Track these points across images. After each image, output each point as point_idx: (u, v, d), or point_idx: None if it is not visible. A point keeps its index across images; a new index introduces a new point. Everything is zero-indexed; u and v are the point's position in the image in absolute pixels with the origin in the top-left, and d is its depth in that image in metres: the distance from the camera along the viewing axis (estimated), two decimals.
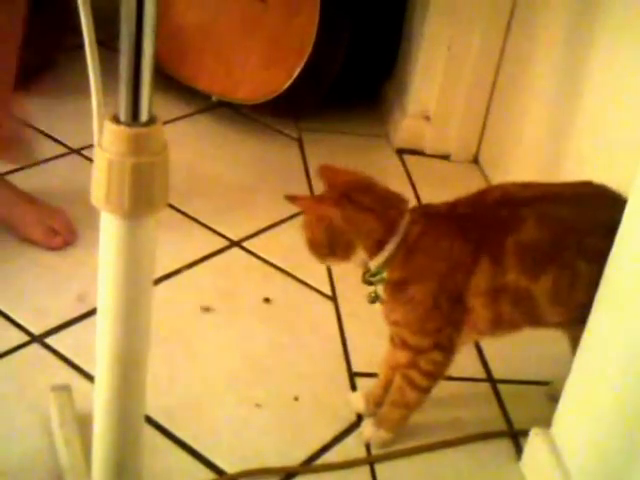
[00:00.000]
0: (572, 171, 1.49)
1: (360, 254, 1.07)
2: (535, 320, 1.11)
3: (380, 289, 1.09)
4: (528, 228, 1.06)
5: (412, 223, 1.06)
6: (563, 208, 1.09)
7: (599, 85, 1.49)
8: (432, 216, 1.10)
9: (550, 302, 1.08)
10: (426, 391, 1.14)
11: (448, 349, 1.11)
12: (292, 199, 1.08)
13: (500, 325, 1.10)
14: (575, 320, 1.10)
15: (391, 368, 1.19)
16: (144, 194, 0.72)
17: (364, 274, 1.10)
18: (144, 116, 0.70)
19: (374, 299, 1.11)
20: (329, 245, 1.07)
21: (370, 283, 1.10)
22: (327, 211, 1.05)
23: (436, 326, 1.09)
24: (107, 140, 0.71)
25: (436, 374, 1.13)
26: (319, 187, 1.76)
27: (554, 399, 1.15)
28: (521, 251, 1.05)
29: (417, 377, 1.12)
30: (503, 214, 1.08)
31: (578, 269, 1.06)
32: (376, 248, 1.06)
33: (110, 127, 0.70)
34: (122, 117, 0.70)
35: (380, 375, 1.22)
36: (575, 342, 1.10)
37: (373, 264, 1.07)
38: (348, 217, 1.05)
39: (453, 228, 1.08)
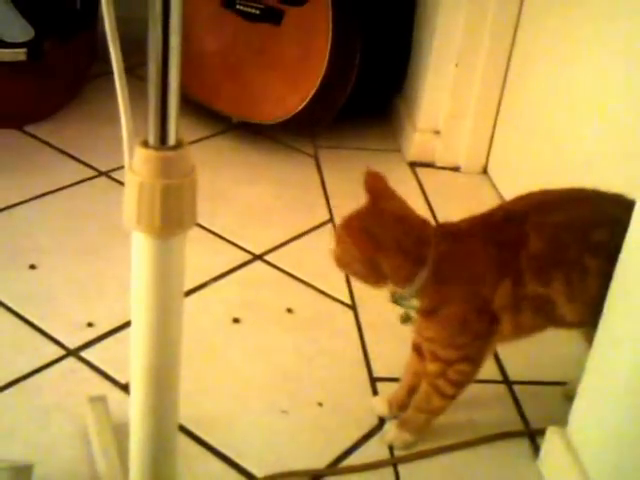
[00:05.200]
0: (580, 181, 1.49)
1: (390, 285, 1.06)
2: (556, 320, 1.11)
3: (411, 310, 1.09)
4: (532, 241, 1.06)
5: (437, 249, 1.05)
6: (559, 213, 1.10)
7: (608, 96, 1.48)
8: (454, 238, 1.07)
9: (567, 301, 1.08)
10: (452, 398, 1.14)
11: (477, 360, 1.11)
12: (348, 229, 1.04)
13: (523, 330, 1.11)
14: (594, 317, 1.10)
15: (414, 374, 1.18)
16: (174, 214, 0.72)
17: (393, 294, 1.09)
18: (172, 140, 0.71)
19: (406, 319, 1.10)
20: (363, 276, 1.05)
21: (400, 304, 1.09)
22: (379, 258, 1.03)
23: (466, 340, 1.09)
24: (137, 164, 0.71)
25: (464, 383, 1.12)
26: (335, 201, 1.79)
27: (571, 399, 1.14)
28: (533, 263, 1.06)
29: (445, 386, 1.12)
30: (510, 232, 1.08)
31: (586, 264, 1.06)
32: (405, 281, 1.05)
33: (140, 151, 0.71)
34: (151, 142, 0.71)
35: (403, 380, 1.21)
36: (591, 342, 1.10)
37: (403, 293, 1.07)
38: (396, 266, 1.04)
39: (475, 248, 1.07)
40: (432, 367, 1.12)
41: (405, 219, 1.06)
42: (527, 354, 1.33)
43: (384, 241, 1.03)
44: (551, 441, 1.15)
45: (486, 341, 1.10)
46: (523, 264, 1.06)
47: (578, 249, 1.07)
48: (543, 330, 1.12)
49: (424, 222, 1.08)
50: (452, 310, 1.07)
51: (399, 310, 1.10)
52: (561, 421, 1.14)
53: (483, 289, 1.06)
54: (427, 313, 1.08)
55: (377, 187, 1.07)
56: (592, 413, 1.09)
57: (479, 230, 1.09)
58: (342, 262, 1.06)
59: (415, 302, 1.08)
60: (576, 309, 1.09)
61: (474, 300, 1.07)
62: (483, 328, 1.08)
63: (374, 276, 1.05)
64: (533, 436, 1.23)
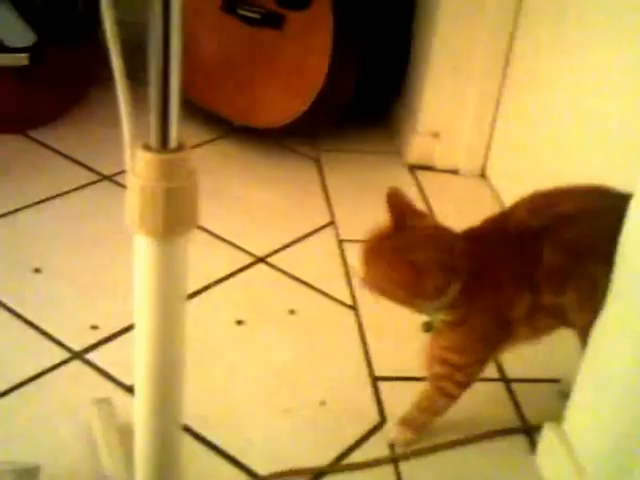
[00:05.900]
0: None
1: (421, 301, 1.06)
2: (566, 323, 1.12)
3: (436, 319, 1.09)
4: (549, 257, 1.05)
5: (467, 262, 1.04)
6: (576, 227, 1.08)
7: (608, 98, 1.48)
8: (479, 252, 1.06)
9: (578, 309, 1.09)
10: (456, 398, 1.15)
11: (486, 362, 1.12)
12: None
13: (537, 334, 1.13)
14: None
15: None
16: (176, 217, 0.72)
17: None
18: (173, 143, 0.72)
19: (429, 328, 1.10)
20: (399, 297, 1.04)
21: (426, 313, 1.09)
22: (424, 281, 1.02)
23: (482, 347, 1.10)
24: (139, 167, 0.72)
25: (469, 383, 1.14)
26: (336, 203, 1.79)
27: (565, 396, 1.15)
28: (548, 277, 1.06)
29: (450, 387, 1.13)
30: (528, 247, 1.07)
31: (597, 275, 1.06)
32: (440, 295, 1.04)
33: (142, 155, 0.71)
34: (153, 145, 0.71)
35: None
36: (582, 337, 1.12)
37: (431, 307, 1.06)
38: (439, 287, 1.03)
39: (497, 264, 1.07)
40: (439, 370, 1.12)
41: (437, 236, 1.05)
42: (523, 352, 1.33)
43: (425, 264, 1.01)
44: (547, 437, 1.16)
45: (499, 346, 1.12)
46: (540, 278, 1.06)
47: (590, 261, 1.07)
48: (556, 331, 1.13)
49: (454, 236, 1.06)
50: (475, 321, 1.07)
51: (422, 318, 1.09)
52: (557, 417, 1.15)
53: (505, 302, 1.07)
54: (454, 325, 1.08)
55: (401, 205, 1.05)
56: (588, 409, 1.10)
57: (499, 243, 1.08)
58: (373, 285, 1.04)
59: (441, 314, 1.07)
60: (586, 315, 1.10)
61: (496, 313, 1.07)
62: (500, 335, 1.09)
63: (412, 297, 1.04)
64: (530, 432, 1.23)
